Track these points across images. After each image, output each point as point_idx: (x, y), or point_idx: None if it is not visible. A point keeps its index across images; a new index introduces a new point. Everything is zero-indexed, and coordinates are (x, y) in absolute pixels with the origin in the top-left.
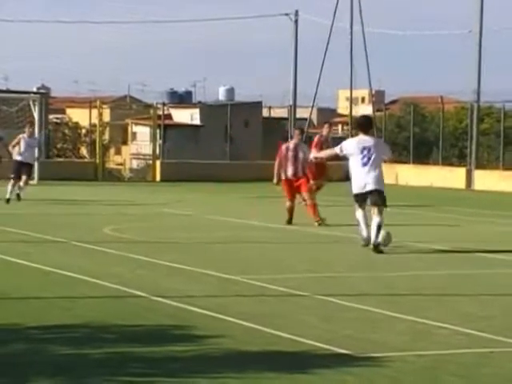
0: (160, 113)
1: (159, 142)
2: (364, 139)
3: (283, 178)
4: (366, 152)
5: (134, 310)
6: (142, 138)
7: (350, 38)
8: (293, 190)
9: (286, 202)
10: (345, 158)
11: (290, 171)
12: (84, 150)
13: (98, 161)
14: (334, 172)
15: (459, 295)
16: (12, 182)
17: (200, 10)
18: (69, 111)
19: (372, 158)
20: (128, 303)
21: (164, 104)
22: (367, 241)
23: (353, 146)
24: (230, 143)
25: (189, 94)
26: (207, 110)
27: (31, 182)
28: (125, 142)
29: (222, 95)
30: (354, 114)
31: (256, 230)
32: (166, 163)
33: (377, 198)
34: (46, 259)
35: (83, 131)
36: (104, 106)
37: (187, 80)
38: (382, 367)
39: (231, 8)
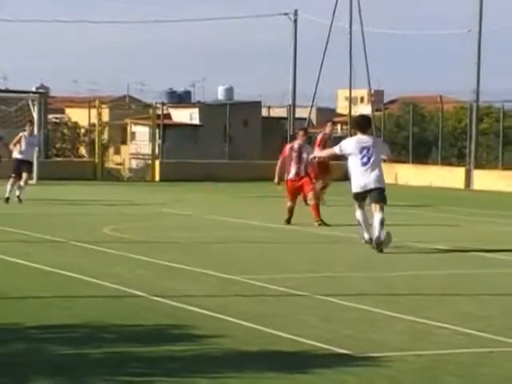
0: (159, 112)
1: (158, 141)
2: (363, 139)
3: (286, 178)
4: (365, 152)
5: (133, 309)
6: (141, 138)
7: (349, 38)
8: (295, 190)
9: (287, 202)
10: (344, 158)
11: (292, 171)
12: (83, 150)
13: (97, 160)
14: (333, 172)
15: (459, 295)
16: (12, 180)
17: (199, 9)
18: (68, 111)
19: (371, 158)
20: (127, 303)
21: (163, 104)
22: (369, 241)
23: (352, 146)
24: (229, 143)
25: (188, 93)
26: (206, 109)
27: (30, 182)
28: (124, 142)
29: (221, 95)
30: (353, 113)
31: (256, 230)
32: (165, 163)
33: (377, 195)
34: (46, 259)
35: (82, 131)
36: (103, 106)
37: (186, 80)
38: (382, 367)
39: (230, 8)
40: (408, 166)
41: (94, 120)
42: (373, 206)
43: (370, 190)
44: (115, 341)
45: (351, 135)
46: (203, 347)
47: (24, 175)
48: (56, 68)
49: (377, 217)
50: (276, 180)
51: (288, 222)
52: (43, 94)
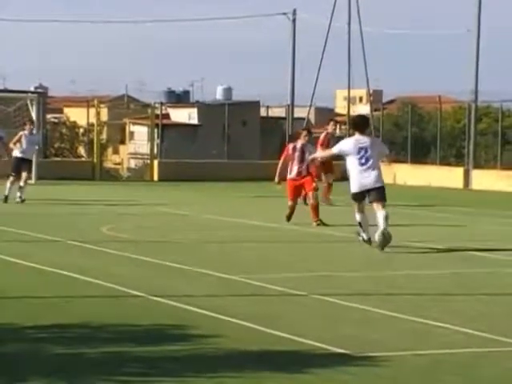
0: (158, 112)
1: (157, 141)
2: (360, 139)
3: (287, 177)
4: (363, 152)
5: (132, 309)
6: (140, 138)
7: (347, 38)
8: (296, 190)
9: (288, 201)
10: (343, 158)
11: (294, 171)
12: (82, 150)
13: (95, 160)
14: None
15: (459, 295)
16: (11, 179)
17: (198, 9)
18: (66, 111)
19: (369, 158)
20: (126, 303)
21: (162, 103)
22: (368, 241)
23: (350, 146)
24: (227, 143)
25: (186, 93)
26: (205, 109)
27: (29, 182)
28: (122, 142)
29: (219, 95)
30: (351, 113)
31: (255, 230)
32: (163, 163)
33: (377, 194)
34: (44, 259)
35: (81, 131)
36: (102, 106)
37: (185, 79)
38: (382, 367)
39: (229, 8)
40: (406, 165)
41: (93, 120)
42: (374, 205)
43: (369, 190)
44: (114, 341)
45: (350, 135)
46: (202, 347)
47: (23, 175)
48: (54, 68)
49: (380, 213)
50: (276, 179)
51: (288, 218)
52: (42, 94)
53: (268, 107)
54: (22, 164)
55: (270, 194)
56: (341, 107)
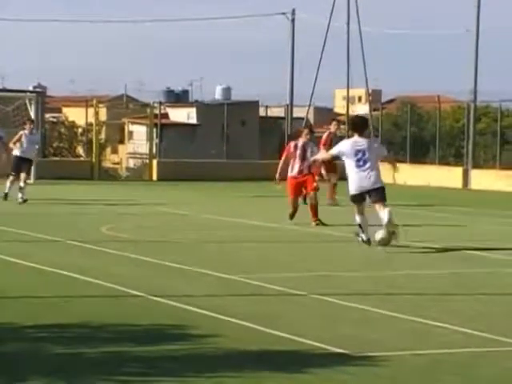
0: (157, 112)
1: (156, 141)
2: (359, 141)
3: (289, 175)
4: (360, 155)
5: (131, 309)
6: (139, 137)
7: (346, 37)
8: (297, 187)
9: (289, 198)
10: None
11: (296, 169)
12: (80, 149)
13: (94, 160)
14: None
15: (458, 295)
16: (11, 178)
17: (197, 9)
18: (65, 110)
19: (367, 160)
20: (125, 303)
21: (161, 103)
22: (368, 241)
23: (347, 148)
24: (226, 142)
25: (185, 93)
26: (204, 109)
27: (28, 181)
28: (121, 141)
29: (218, 94)
30: (350, 113)
31: (254, 230)
32: (162, 162)
33: (377, 194)
34: (44, 259)
35: (80, 130)
36: (100, 105)
37: (184, 79)
38: (381, 367)
39: (228, 8)
40: (406, 165)
41: (92, 119)
42: (376, 205)
43: (369, 191)
44: (113, 340)
45: (349, 135)
46: (202, 347)
47: (22, 175)
48: (54, 67)
49: (384, 211)
50: (277, 176)
51: (291, 217)
52: (40, 94)
53: (267, 107)
54: (22, 163)
55: (269, 193)
56: (340, 107)
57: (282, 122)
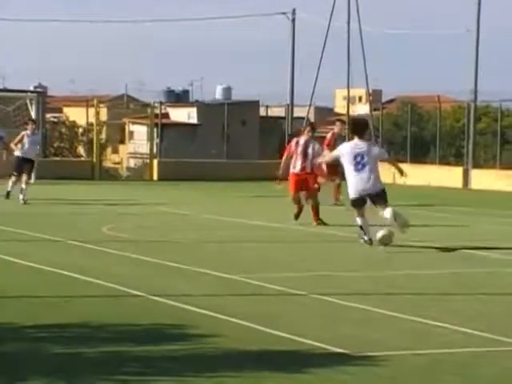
0: (157, 112)
1: (156, 140)
2: (358, 144)
3: (291, 171)
4: (359, 158)
5: (131, 309)
6: (140, 137)
7: (347, 37)
8: (298, 184)
9: (291, 195)
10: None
11: (298, 166)
12: (81, 149)
13: (95, 160)
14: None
15: (459, 294)
16: (13, 178)
17: (198, 9)
18: (66, 110)
19: (366, 164)
20: (125, 302)
21: (161, 103)
22: (369, 242)
23: (347, 151)
24: (227, 142)
25: (186, 92)
26: (204, 108)
27: (29, 182)
28: (122, 141)
29: (219, 94)
30: (351, 113)
31: (254, 229)
32: (163, 162)
33: (378, 198)
34: (44, 258)
35: (80, 130)
36: (101, 105)
37: (184, 79)
38: (381, 367)
39: (228, 7)
40: (406, 165)
41: (92, 119)
42: (379, 208)
43: (370, 194)
44: (113, 340)
45: (348, 136)
46: (202, 347)
47: (24, 177)
48: (54, 67)
49: (387, 211)
50: (280, 172)
51: (296, 217)
52: (41, 93)
53: (267, 107)
54: (24, 164)
55: (269, 193)
56: (340, 107)
57: (282, 121)
